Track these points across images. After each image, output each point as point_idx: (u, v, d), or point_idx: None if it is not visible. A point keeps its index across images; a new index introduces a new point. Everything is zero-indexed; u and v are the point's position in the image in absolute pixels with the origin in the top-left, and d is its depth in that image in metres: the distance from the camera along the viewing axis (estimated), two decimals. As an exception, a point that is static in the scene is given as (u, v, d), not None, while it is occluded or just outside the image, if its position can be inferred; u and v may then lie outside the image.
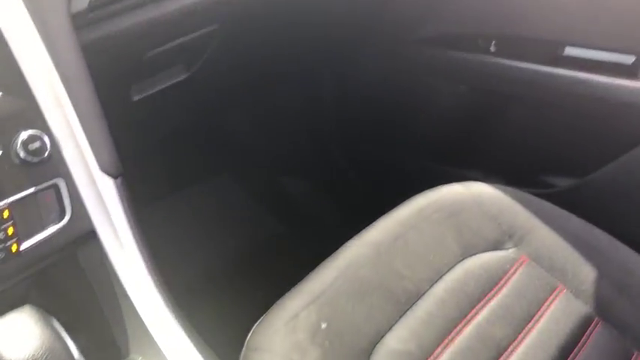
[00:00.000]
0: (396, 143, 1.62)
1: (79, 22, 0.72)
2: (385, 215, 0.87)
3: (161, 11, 0.81)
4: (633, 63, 1.18)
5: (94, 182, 0.68)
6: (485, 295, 0.79)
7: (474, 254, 0.83)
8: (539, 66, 1.24)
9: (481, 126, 1.44)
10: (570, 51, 1.25)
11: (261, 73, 1.31)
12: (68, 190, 0.65)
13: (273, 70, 1.35)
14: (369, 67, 1.55)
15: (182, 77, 0.98)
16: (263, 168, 1.72)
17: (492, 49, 1.33)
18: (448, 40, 1.38)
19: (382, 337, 0.71)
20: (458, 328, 0.74)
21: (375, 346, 0.70)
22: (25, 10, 0.65)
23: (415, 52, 1.44)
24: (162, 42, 0.87)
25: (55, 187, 0.65)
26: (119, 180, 0.71)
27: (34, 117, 0.64)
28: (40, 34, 0.66)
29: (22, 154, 0.62)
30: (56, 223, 0.65)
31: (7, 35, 0.63)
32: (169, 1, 0.82)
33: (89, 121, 0.68)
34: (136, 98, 0.93)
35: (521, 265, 0.85)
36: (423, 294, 0.77)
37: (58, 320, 0.69)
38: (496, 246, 0.86)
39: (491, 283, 0.80)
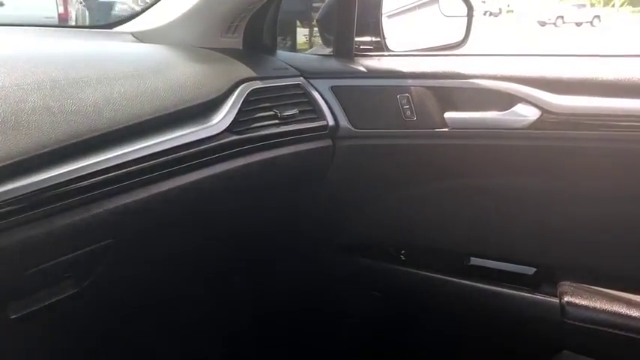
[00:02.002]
0: (313, 350, 1.56)
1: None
2: None
3: (46, 229, 0.79)
4: (534, 274, 1.23)
5: None
6: None
7: None
8: (446, 276, 1.27)
9: (397, 334, 1.42)
10: (475, 261, 1.29)
11: (165, 282, 1.27)
12: None
13: (180, 277, 1.32)
14: (286, 272, 1.54)
15: (71, 292, 0.93)
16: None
17: (402, 257, 1.37)
18: (360, 247, 1.41)
19: None
20: None
21: None
22: None
23: (331, 259, 1.45)
24: (47, 259, 0.83)
25: None
26: None
27: None
28: None
29: None
30: None
31: None
32: (56, 218, 0.80)
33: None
34: (14, 316, 0.86)
35: None
36: None
37: None
38: None
39: None
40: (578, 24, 25.44)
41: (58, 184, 0.79)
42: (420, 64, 1.29)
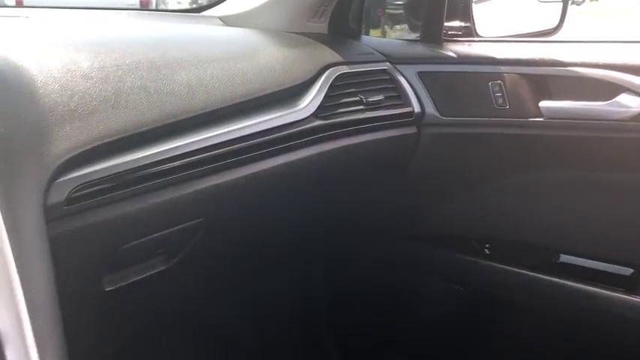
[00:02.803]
0: (389, 340, 1.54)
1: (53, 214, 0.71)
2: None
3: (141, 206, 0.81)
4: (632, 275, 1.15)
5: None
6: None
7: None
8: (534, 273, 1.22)
9: (477, 331, 1.38)
10: (566, 259, 1.23)
11: (248, 262, 1.29)
12: None
13: (262, 259, 1.33)
14: (362, 259, 1.53)
15: (161, 268, 0.95)
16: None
17: (486, 251, 1.32)
18: (443, 239, 1.37)
19: None
20: None
21: None
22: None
23: (410, 249, 1.43)
24: (141, 235, 0.85)
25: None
26: None
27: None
28: (6, 227, 0.64)
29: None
30: None
31: None
32: (151, 196, 0.82)
33: (42, 320, 0.64)
34: (108, 288, 0.89)
35: None
36: None
37: None
38: None
39: None
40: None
41: (153, 162, 0.81)
42: (514, 51, 1.23)
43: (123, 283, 0.91)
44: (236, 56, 1.05)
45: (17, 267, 0.63)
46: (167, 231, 0.89)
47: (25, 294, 0.63)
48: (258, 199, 1.04)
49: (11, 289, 0.62)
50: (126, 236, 0.83)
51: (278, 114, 1.01)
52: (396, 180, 1.31)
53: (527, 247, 1.26)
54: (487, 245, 1.32)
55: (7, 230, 0.64)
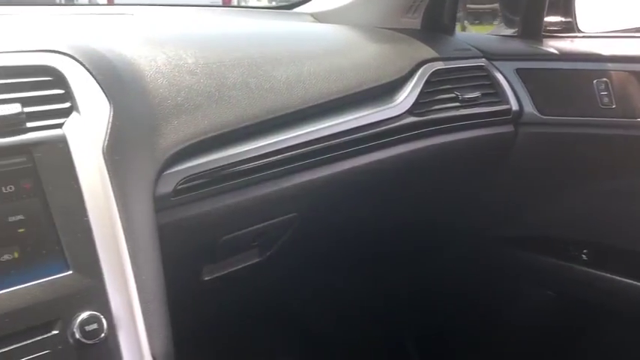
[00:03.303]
0: (474, 346, 1.50)
1: (161, 204, 0.74)
2: None
3: (241, 199, 0.83)
4: None
5: None
6: None
7: None
8: (635, 281, 1.15)
9: (568, 340, 1.32)
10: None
11: (336, 259, 1.29)
12: None
13: (348, 257, 1.33)
14: (448, 261, 1.49)
15: (255, 260, 0.97)
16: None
17: (584, 257, 1.26)
18: (534, 242, 1.32)
19: None
20: None
21: None
22: (111, 192, 0.67)
23: (498, 251, 1.39)
24: (239, 228, 0.87)
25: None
26: None
27: (98, 298, 0.63)
28: (120, 215, 0.67)
29: (77, 334, 0.60)
30: None
31: (91, 218, 0.64)
32: (250, 189, 0.83)
33: (151, 305, 0.67)
34: (206, 278, 0.92)
35: None
36: None
37: None
38: None
39: None
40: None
41: (253, 157, 0.83)
42: (621, 47, 1.17)
43: (220, 274, 0.94)
44: (332, 52, 1.05)
45: (129, 253, 0.66)
46: (263, 224, 0.91)
47: (136, 280, 0.66)
48: (349, 196, 1.04)
49: (124, 275, 0.65)
50: (226, 228, 0.86)
51: (373, 110, 1.01)
52: (489, 179, 1.27)
53: (630, 253, 1.19)
54: (585, 251, 1.25)
55: (121, 218, 0.67)
